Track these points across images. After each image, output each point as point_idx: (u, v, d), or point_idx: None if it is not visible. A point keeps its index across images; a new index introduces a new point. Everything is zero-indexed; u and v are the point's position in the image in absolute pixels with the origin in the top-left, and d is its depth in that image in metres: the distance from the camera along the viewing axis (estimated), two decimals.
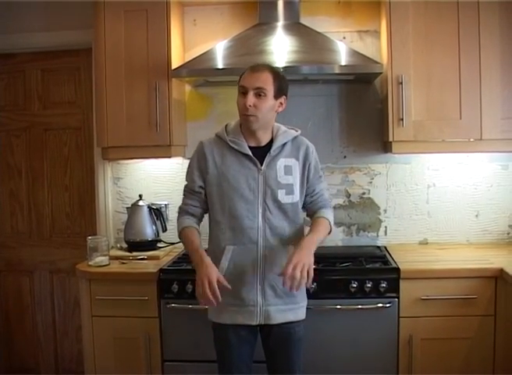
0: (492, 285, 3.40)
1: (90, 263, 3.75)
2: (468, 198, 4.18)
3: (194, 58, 3.84)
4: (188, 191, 3.12)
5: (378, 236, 4.26)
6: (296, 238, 2.97)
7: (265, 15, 3.96)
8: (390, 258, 3.73)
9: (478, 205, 4.18)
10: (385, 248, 4.11)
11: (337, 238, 4.27)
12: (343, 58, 3.74)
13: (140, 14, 3.82)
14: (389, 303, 3.42)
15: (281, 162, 2.97)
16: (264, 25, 3.93)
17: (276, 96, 2.90)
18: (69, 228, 4.64)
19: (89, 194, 4.53)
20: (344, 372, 3.44)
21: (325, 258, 3.73)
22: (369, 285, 3.42)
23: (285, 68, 3.56)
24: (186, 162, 4.18)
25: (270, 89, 2.86)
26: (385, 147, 4.08)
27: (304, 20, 4.00)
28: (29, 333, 4.71)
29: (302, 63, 3.67)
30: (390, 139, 3.73)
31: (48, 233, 4.67)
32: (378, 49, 4.15)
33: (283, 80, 2.95)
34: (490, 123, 3.65)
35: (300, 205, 3.07)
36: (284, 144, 3.00)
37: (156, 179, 4.35)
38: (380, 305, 3.43)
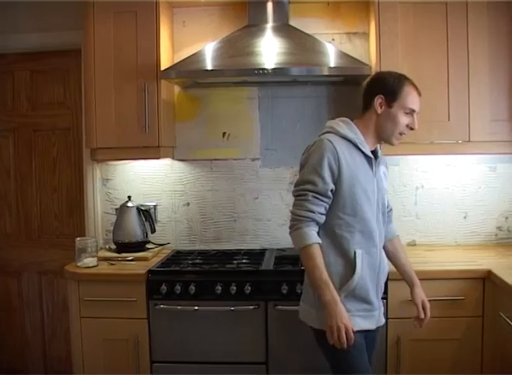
0: (480, 286, 3.42)
1: (78, 264, 3.74)
2: (456, 200, 4.20)
3: (183, 60, 3.84)
4: (315, 196, 2.75)
5: None
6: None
7: (254, 16, 3.97)
8: None
9: (467, 207, 4.20)
10: None
11: None
12: (331, 59, 3.75)
13: (129, 15, 3.82)
14: None
15: (381, 168, 2.98)
16: (254, 27, 3.94)
17: None
18: (58, 229, 4.62)
19: (78, 195, 4.53)
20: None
21: None
22: None
23: (274, 70, 3.58)
24: (175, 163, 4.23)
25: None
26: None
27: (293, 22, 4.01)
28: (17, 334, 4.69)
29: (291, 65, 3.67)
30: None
31: (37, 234, 4.65)
32: (366, 51, 4.16)
33: None
34: (478, 124, 3.66)
35: None
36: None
37: (145, 180, 4.35)
38: None
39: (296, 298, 3.37)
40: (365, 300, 2.84)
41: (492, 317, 3.38)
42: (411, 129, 2.87)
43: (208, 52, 3.82)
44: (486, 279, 3.39)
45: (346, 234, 2.79)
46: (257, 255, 4.01)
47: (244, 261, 3.88)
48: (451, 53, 3.69)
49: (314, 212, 2.74)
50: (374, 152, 2.92)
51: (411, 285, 3.01)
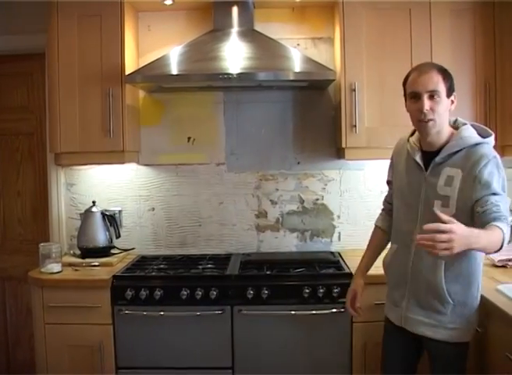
0: None
1: (42, 270, 3.71)
2: None
3: (148, 64, 3.83)
4: (387, 184, 3.21)
5: (331, 242, 4.30)
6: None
7: (220, 21, 3.97)
8: (344, 264, 3.77)
9: None
10: (339, 253, 4.14)
11: (291, 244, 4.30)
12: (296, 64, 3.76)
13: (93, 19, 3.80)
14: (342, 308, 3.43)
15: (445, 171, 2.72)
16: (219, 31, 3.94)
17: (448, 95, 2.72)
18: (22, 235, 4.58)
19: (42, 200, 4.48)
20: None
21: (278, 264, 3.76)
22: (322, 291, 3.46)
23: (239, 74, 3.58)
24: (140, 167, 4.23)
25: (442, 89, 2.68)
26: (339, 153, 4.11)
27: (259, 27, 4.02)
28: None
29: (256, 70, 3.68)
30: (343, 145, 3.77)
31: (0, 239, 4.60)
32: (331, 56, 4.18)
33: (451, 76, 2.75)
34: None
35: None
36: (456, 152, 2.72)
37: (110, 185, 4.32)
38: (334, 310, 3.46)
39: (261, 303, 3.41)
40: (391, 292, 3.02)
41: None
42: (427, 111, 2.67)
43: (173, 57, 3.81)
44: None
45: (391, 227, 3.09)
46: (222, 260, 4.01)
47: (209, 266, 3.87)
48: (415, 58, 3.71)
49: (385, 199, 3.24)
50: (437, 152, 2.77)
51: None
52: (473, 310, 2.78)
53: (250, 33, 3.94)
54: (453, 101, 2.76)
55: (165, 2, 3.99)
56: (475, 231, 2.38)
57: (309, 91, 4.19)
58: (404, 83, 2.84)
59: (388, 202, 3.18)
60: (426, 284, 2.78)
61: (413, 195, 2.83)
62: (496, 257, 3.54)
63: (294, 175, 4.28)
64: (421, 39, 3.74)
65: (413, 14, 3.74)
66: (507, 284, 3.03)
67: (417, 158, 2.82)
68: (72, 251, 4.19)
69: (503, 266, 3.50)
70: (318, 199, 4.28)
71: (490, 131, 2.78)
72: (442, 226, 2.25)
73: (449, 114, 2.79)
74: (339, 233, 4.29)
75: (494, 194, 2.59)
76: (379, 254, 3.21)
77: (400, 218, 2.93)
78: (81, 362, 3.58)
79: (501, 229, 2.44)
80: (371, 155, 3.79)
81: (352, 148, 3.78)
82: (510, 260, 3.52)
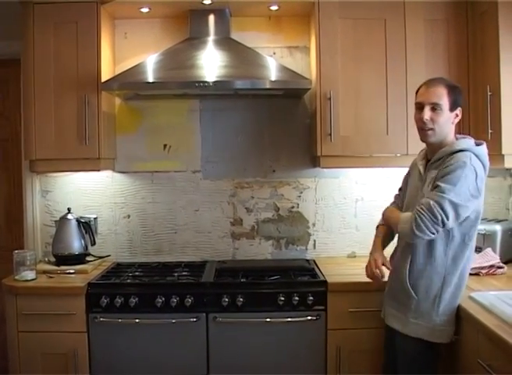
0: None
1: (16, 278, 3.68)
2: None
3: (125, 72, 3.84)
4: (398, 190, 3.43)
5: (307, 249, 4.31)
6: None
7: (196, 29, 3.99)
8: (318, 272, 3.79)
9: None
10: (314, 261, 4.16)
11: (266, 252, 4.31)
12: (272, 73, 3.79)
13: (70, 26, 3.79)
14: (317, 316, 3.46)
15: (430, 175, 2.97)
16: (195, 39, 3.96)
17: (452, 108, 2.94)
18: None
19: (16, 207, 4.46)
20: None
21: (254, 272, 3.77)
22: (297, 298, 3.47)
23: (215, 82, 3.59)
24: (116, 175, 4.22)
25: (445, 103, 2.92)
26: (314, 161, 4.13)
27: (235, 35, 4.04)
28: None
29: (232, 78, 3.70)
30: (319, 154, 3.79)
31: None
32: (307, 65, 4.21)
33: (458, 92, 2.99)
34: (416, 138, 3.69)
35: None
36: (442, 158, 2.93)
37: (85, 192, 4.30)
38: (308, 317, 3.47)
39: (236, 310, 3.41)
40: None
41: None
42: (426, 120, 2.93)
43: (150, 64, 3.82)
44: None
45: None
46: (197, 268, 4.01)
47: (185, 273, 3.87)
48: (390, 67, 3.77)
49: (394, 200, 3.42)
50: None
51: None
52: (440, 310, 2.91)
53: (226, 42, 3.96)
54: (457, 115, 2.99)
55: (142, 10, 4.00)
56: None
57: (285, 100, 4.21)
58: (416, 95, 3.06)
59: (394, 203, 3.38)
60: (396, 278, 3.04)
61: (413, 201, 3.03)
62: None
63: (270, 183, 4.29)
64: (396, 49, 3.78)
65: (388, 24, 3.78)
66: (480, 292, 3.06)
67: (420, 165, 3.10)
68: (46, 259, 4.16)
69: (476, 274, 3.53)
70: (293, 207, 4.30)
71: (483, 142, 2.98)
72: None
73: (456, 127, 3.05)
74: (315, 240, 4.31)
75: (440, 186, 2.78)
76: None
77: None
78: (55, 370, 3.55)
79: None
80: (346, 164, 3.82)
81: (327, 156, 3.79)
82: (482, 268, 3.55)
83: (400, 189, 3.36)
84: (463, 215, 2.78)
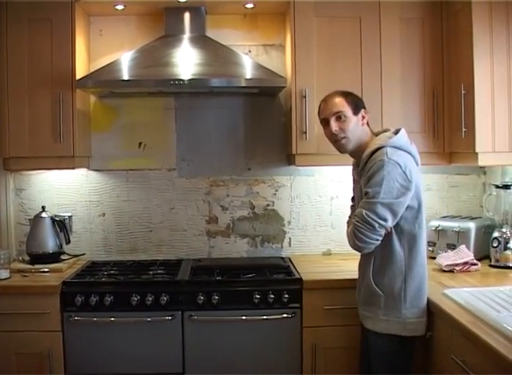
0: None
1: None
2: None
3: (99, 69, 3.82)
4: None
5: (282, 247, 4.32)
6: None
7: (171, 27, 3.98)
8: (294, 269, 3.80)
9: None
10: (290, 259, 4.17)
11: (242, 250, 4.32)
12: (248, 71, 3.79)
13: (44, 23, 3.76)
14: (292, 313, 3.47)
15: (361, 180, 2.99)
16: (171, 37, 3.95)
17: (355, 112, 3.00)
18: None
19: None
20: None
21: (229, 270, 3.77)
22: (272, 296, 3.48)
23: (190, 80, 3.59)
24: (91, 173, 4.20)
25: (347, 109, 2.98)
26: (289, 159, 4.14)
27: (210, 33, 4.04)
28: None
29: (207, 76, 3.70)
30: (294, 152, 3.80)
31: None
32: (283, 63, 4.21)
33: (355, 97, 3.08)
34: None
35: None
36: (365, 164, 2.97)
37: (59, 190, 4.28)
38: (284, 315, 3.48)
39: (211, 308, 3.41)
40: None
41: None
42: (336, 131, 2.98)
43: (125, 62, 3.80)
44: None
45: None
46: (173, 266, 4.00)
47: (160, 271, 3.87)
48: (365, 65, 3.79)
49: None
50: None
51: None
52: (408, 302, 2.94)
53: (201, 40, 3.95)
54: (363, 117, 3.04)
55: (117, 7, 3.98)
56: None
57: (260, 98, 4.22)
58: (318, 115, 3.13)
59: None
60: (363, 281, 3.08)
61: (354, 202, 3.24)
62: (444, 262, 3.61)
63: (245, 181, 4.30)
64: (371, 47, 3.79)
65: (363, 22, 3.79)
66: (454, 289, 3.08)
67: (354, 174, 3.21)
68: (21, 258, 4.13)
69: (450, 271, 3.56)
70: (268, 205, 4.31)
71: (400, 128, 3.06)
72: None
73: (374, 126, 3.13)
74: (290, 238, 4.32)
75: (368, 192, 2.84)
76: None
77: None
78: (30, 370, 3.51)
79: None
80: (321, 162, 3.83)
81: (302, 154, 3.80)
82: (456, 265, 3.58)
83: (353, 198, 3.34)
84: (400, 210, 2.84)
